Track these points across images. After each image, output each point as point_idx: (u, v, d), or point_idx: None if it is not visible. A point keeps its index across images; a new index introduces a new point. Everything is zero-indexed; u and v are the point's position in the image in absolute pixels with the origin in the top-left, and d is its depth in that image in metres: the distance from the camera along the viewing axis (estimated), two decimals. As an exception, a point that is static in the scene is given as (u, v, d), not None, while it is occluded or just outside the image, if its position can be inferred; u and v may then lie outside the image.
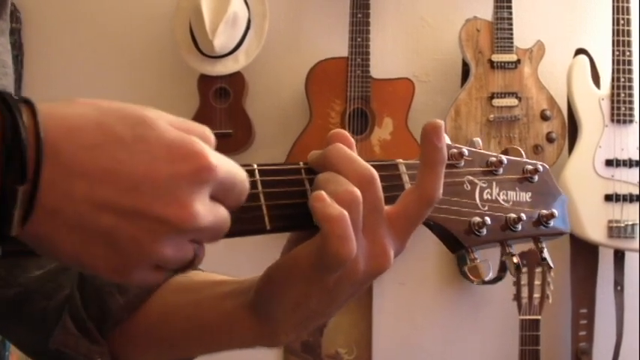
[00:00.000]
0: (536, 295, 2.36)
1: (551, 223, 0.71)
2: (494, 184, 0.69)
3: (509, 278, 2.51)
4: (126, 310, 0.75)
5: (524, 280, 2.37)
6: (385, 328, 2.70)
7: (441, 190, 0.62)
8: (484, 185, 0.69)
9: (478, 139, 0.70)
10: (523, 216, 0.68)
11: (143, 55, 2.78)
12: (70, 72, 2.78)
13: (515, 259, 0.68)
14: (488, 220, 0.67)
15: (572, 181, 2.47)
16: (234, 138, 2.62)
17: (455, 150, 0.68)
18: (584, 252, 2.55)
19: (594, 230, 2.46)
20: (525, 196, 0.71)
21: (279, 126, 2.72)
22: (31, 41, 2.72)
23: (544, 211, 0.71)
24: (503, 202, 0.69)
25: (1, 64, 0.80)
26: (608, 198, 2.46)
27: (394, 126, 2.57)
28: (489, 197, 0.69)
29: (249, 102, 2.69)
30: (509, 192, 0.70)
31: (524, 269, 2.37)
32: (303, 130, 2.59)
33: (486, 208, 0.68)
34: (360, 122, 2.57)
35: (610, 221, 2.46)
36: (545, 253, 0.70)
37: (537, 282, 2.36)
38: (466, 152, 0.68)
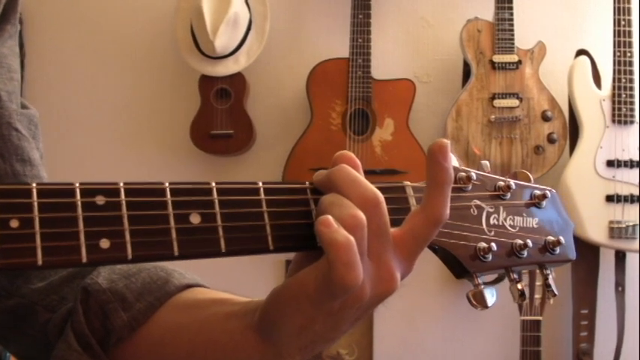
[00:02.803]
0: (537, 295, 2.36)
1: (558, 250, 0.69)
2: (501, 209, 0.68)
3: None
4: (129, 326, 0.74)
5: (525, 280, 2.37)
6: (386, 328, 2.70)
7: (448, 211, 0.61)
8: (491, 210, 0.67)
9: (486, 162, 0.69)
10: (529, 242, 0.67)
11: (144, 55, 2.78)
12: (71, 73, 2.78)
13: (519, 286, 0.67)
14: (494, 246, 0.66)
15: (573, 181, 2.47)
16: (235, 139, 2.62)
17: (463, 174, 0.66)
18: (585, 253, 2.55)
19: (595, 231, 2.46)
20: (532, 222, 0.69)
21: (280, 127, 2.72)
22: (32, 41, 2.72)
23: (551, 238, 0.69)
24: (509, 228, 0.68)
25: (7, 69, 0.80)
26: (609, 199, 2.46)
27: (395, 126, 2.57)
28: (496, 222, 0.67)
29: (250, 103, 2.69)
30: (516, 217, 0.69)
31: (525, 270, 2.36)
32: (304, 130, 2.59)
33: (492, 233, 0.67)
34: (361, 123, 2.57)
35: (611, 222, 2.46)
36: (550, 280, 0.69)
37: (538, 283, 2.36)
38: (474, 176, 0.67)
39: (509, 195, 0.69)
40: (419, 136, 2.55)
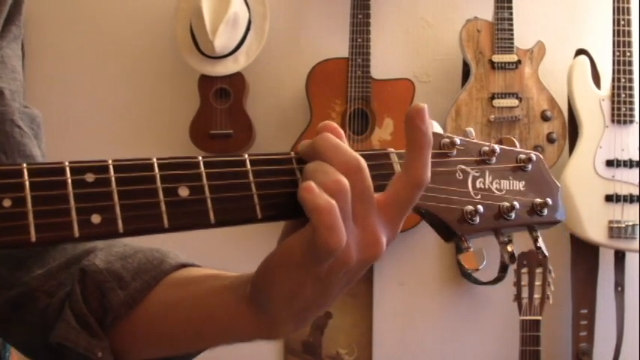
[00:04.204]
0: (537, 295, 2.36)
1: (545, 211, 0.70)
2: (487, 173, 0.69)
3: (509, 279, 2.50)
4: (126, 304, 0.75)
5: (524, 280, 2.37)
6: (386, 328, 2.70)
7: (429, 173, 0.62)
8: (477, 174, 0.69)
9: (471, 130, 0.70)
10: (516, 204, 0.68)
11: (144, 55, 2.78)
12: (71, 73, 2.78)
13: (509, 248, 0.68)
14: (481, 208, 0.67)
15: (573, 181, 2.47)
16: (234, 138, 2.62)
17: (447, 139, 0.68)
18: (584, 252, 2.55)
19: (595, 231, 2.46)
20: (519, 185, 0.70)
21: (279, 126, 2.72)
22: (32, 41, 2.72)
23: (538, 200, 0.70)
24: (496, 191, 0.69)
25: (11, 69, 0.83)
26: (609, 198, 2.46)
27: (395, 126, 2.57)
28: (482, 186, 0.69)
29: (250, 102, 2.69)
30: (502, 181, 0.70)
31: (525, 269, 2.37)
32: (303, 130, 2.59)
33: (479, 196, 0.68)
34: (361, 123, 2.57)
35: (610, 222, 2.46)
36: (540, 242, 0.70)
37: (538, 282, 2.36)
38: (458, 141, 0.68)
39: (494, 159, 0.70)
40: (418, 136, 2.55)
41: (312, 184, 0.58)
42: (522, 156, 0.71)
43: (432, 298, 2.73)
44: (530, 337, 2.37)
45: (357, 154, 0.61)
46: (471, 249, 0.66)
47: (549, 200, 0.70)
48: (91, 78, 2.78)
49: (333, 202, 0.57)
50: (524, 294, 2.37)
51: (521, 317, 2.38)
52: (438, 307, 2.73)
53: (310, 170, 0.60)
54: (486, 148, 0.69)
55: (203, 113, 2.63)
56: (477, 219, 0.67)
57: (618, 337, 2.53)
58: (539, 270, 2.36)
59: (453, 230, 0.67)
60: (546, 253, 0.70)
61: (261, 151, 2.71)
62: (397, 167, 0.66)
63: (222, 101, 2.64)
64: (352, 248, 0.60)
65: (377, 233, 0.61)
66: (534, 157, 0.72)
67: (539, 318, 2.37)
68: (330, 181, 0.58)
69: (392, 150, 0.67)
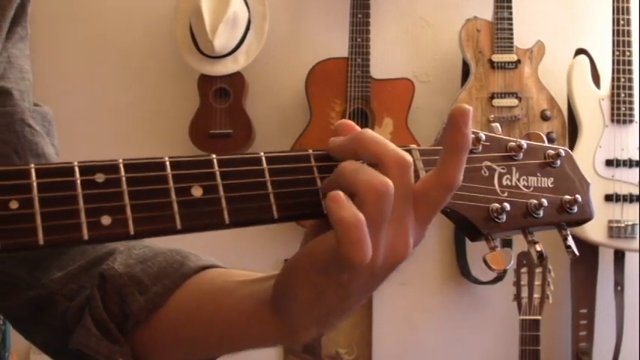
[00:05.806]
0: (537, 295, 2.36)
1: (575, 209, 0.68)
2: (513, 169, 0.67)
3: (509, 278, 2.49)
4: (146, 309, 0.74)
5: (524, 280, 2.37)
6: (385, 328, 2.70)
7: (462, 177, 0.59)
8: (503, 171, 0.66)
9: (497, 125, 0.68)
10: (545, 202, 0.66)
11: (143, 55, 2.78)
12: (70, 72, 2.78)
13: (538, 247, 0.66)
14: (507, 206, 0.64)
15: (573, 181, 2.47)
16: (234, 138, 2.62)
17: (472, 135, 0.64)
18: (584, 252, 2.55)
19: (594, 230, 2.46)
20: (547, 182, 0.68)
21: (279, 126, 2.72)
22: (31, 41, 2.71)
23: (567, 197, 0.68)
24: (523, 188, 0.66)
25: (18, 69, 0.82)
26: (609, 198, 2.46)
27: (394, 126, 2.57)
28: (509, 183, 0.66)
29: (249, 102, 2.69)
30: (530, 177, 0.67)
31: (524, 269, 2.37)
32: (303, 130, 2.59)
33: (506, 194, 0.65)
34: (360, 122, 2.57)
35: (610, 221, 2.45)
36: (570, 241, 0.68)
37: (537, 282, 2.36)
38: (483, 137, 0.66)
39: (521, 155, 0.67)
40: (418, 136, 2.55)
41: (341, 194, 0.55)
42: (551, 151, 0.69)
43: (432, 297, 2.73)
44: (530, 336, 2.37)
45: (405, 152, 0.58)
46: (498, 249, 0.64)
47: (579, 197, 0.68)
48: (91, 78, 2.78)
49: (361, 216, 0.55)
50: (524, 293, 2.37)
51: (521, 317, 2.38)
52: (438, 306, 2.73)
53: (350, 170, 0.57)
54: (513, 144, 0.67)
55: (203, 113, 2.63)
56: (504, 217, 0.64)
57: (618, 337, 2.53)
58: (538, 270, 2.36)
59: (478, 229, 0.64)
60: (576, 252, 0.68)
61: (260, 150, 2.70)
62: (420, 164, 0.63)
63: (221, 101, 2.64)
64: (380, 252, 0.57)
65: (408, 235, 0.59)
66: (563, 153, 0.69)
67: (539, 317, 2.37)
68: (377, 183, 0.56)
69: (414, 146, 0.64)
